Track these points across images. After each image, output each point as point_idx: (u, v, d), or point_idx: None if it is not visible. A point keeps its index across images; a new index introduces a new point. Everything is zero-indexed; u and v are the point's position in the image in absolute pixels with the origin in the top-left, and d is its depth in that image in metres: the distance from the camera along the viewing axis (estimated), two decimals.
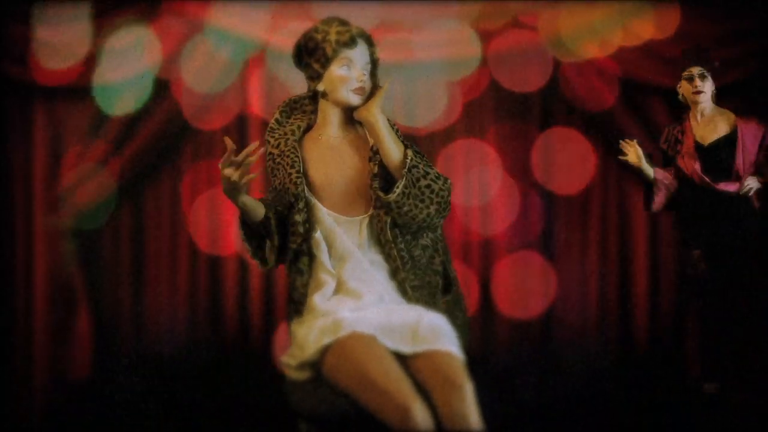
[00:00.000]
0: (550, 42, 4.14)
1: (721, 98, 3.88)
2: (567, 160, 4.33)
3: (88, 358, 4.23)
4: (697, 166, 3.69)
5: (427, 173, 2.54)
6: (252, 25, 4.15)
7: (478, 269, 4.33)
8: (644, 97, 4.23)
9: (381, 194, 2.52)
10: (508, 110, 4.33)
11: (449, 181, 2.58)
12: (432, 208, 2.54)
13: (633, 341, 4.32)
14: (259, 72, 4.27)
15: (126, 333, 4.31)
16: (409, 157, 2.51)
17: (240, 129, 4.34)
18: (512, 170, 4.31)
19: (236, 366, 4.28)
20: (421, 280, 2.59)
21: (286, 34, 4.05)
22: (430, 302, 2.57)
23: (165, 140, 4.25)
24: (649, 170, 3.81)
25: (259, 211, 2.52)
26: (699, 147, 3.72)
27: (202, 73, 4.16)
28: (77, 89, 4.13)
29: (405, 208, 2.51)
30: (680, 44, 3.97)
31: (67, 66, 4.07)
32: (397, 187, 2.49)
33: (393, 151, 2.52)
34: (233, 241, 4.30)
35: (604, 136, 4.29)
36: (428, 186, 2.53)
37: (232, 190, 2.41)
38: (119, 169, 4.17)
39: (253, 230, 2.58)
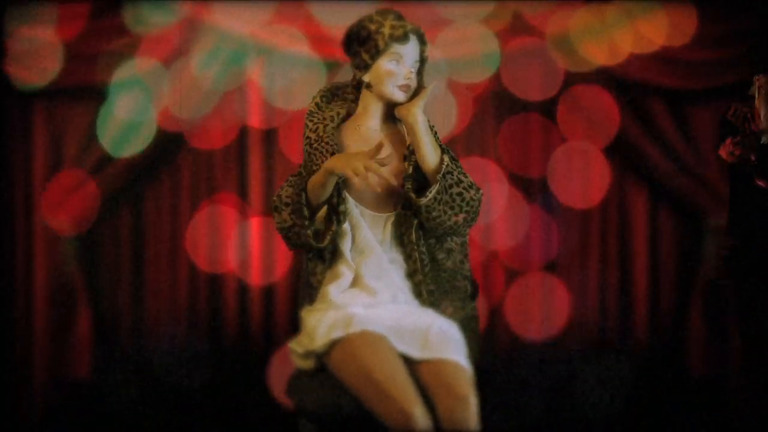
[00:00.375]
0: (558, 49, 4.11)
1: (720, 98, 3.88)
2: (578, 173, 4.28)
3: (88, 358, 4.21)
4: (754, 157, 3.61)
5: (461, 181, 2.52)
6: (250, 29, 4.10)
7: (483, 286, 4.30)
8: (644, 98, 4.22)
9: (413, 196, 2.50)
10: (512, 120, 4.29)
11: (481, 191, 2.57)
12: (460, 217, 2.52)
13: (633, 341, 4.32)
14: (258, 82, 4.20)
15: (126, 333, 4.30)
16: (445, 163, 2.50)
17: (240, 142, 4.30)
18: (515, 182, 4.26)
19: (236, 365, 4.28)
20: (437, 284, 2.59)
21: (285, 37, 4.06)
22: (458, 307, 2.58)
23: (163, 147, 4.23)
24: None
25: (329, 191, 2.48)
26: (758, 139, 3.66)
27: (196, 85, 4.11)
28: (76, 90, 4.12)
29: (434, 213, 2.50)
30: (692, 47, 4.00)
31: (62, 66, 4.05)
32: (430, 192, 2.48)
33: (430, 154, 2.50)
34: (233, 258, 4.27)
35: (612, 144, 4.26)
36: (460, 194, 2.51)
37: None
38: (117, 173, 4.17)
39: (312, 208, 2.51)
